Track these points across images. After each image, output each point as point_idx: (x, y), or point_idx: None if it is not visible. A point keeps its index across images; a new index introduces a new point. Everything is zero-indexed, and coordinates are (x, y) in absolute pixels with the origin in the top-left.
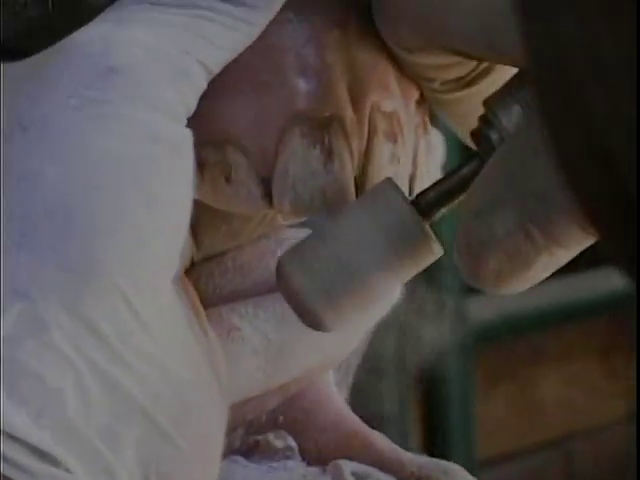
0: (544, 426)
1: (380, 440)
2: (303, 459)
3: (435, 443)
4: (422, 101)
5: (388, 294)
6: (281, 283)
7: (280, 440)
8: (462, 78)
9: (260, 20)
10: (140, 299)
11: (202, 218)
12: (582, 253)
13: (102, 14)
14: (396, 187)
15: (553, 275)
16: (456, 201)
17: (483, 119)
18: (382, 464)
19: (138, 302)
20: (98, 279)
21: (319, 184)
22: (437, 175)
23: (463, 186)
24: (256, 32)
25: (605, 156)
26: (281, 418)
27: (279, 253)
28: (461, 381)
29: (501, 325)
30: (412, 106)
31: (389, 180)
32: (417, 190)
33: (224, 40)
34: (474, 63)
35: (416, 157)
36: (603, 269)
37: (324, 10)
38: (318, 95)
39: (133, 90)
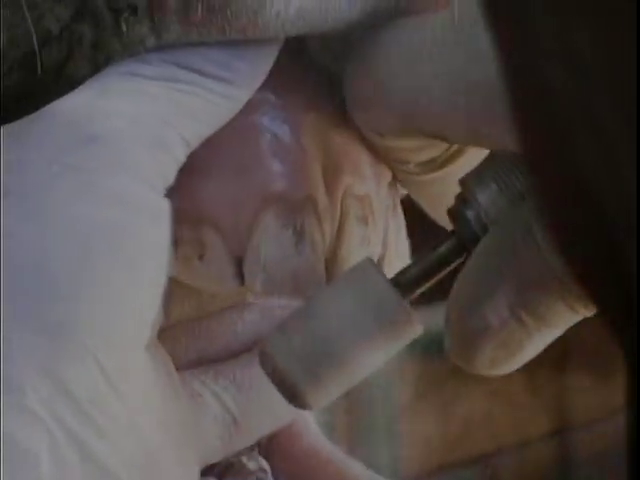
0: (469, 441)
1: (356, 469)
2: None
3: (360, 458)
4: (394, 182)
5: (372, 370)
6: (265, 362)
7: (253, 462)
8: (435, 159)
9: (240, 96)
10: (113, 364)
11: (173, 289)
12: None
13: (86, 83)
14: (376, 266)
15: None
16: (435, 279)
17: (460, 198)
18: None
19: (111, 367)
20: (73, 343)
21: (290, 265)
22: (406, 255)
23: (442, 264)
24: (236, 108)
25: (597, 211)
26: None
27: (245, 318)
28: (386, 396)
29: (426, 339)
30: (384, 188)
31: (369, 260)
32: (386, 270)
33: (204, 114)
34: (447, 144)
35: (386, 238)
36: None
37: (301, 93)
38: (292, 177)
39: (113, 159)
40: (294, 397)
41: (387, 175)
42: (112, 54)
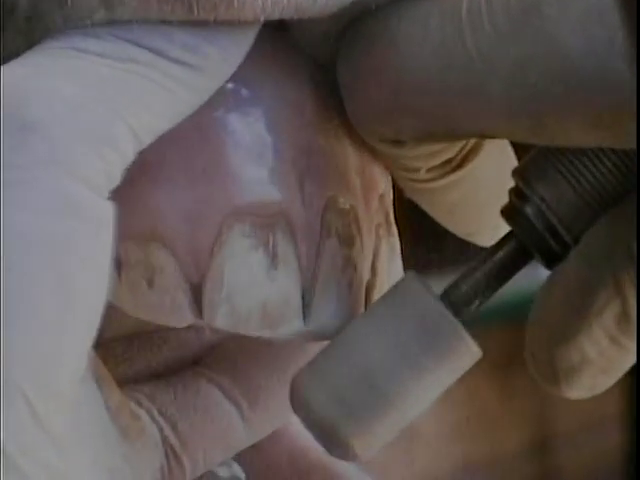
0: (428, 459)
1: (344, 473)
2: None
3: None
4: (386, 196)
5: (426, 406)
6: (298, 408)
7: (225, 469)
8: (450, 161)
9: (206, 87)
10: (46, 407)
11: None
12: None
13: (18, 58)
14: (422, 283)
15: None
16: (492, 292)
17: (516, 193)
18: None
19: (44, 411)
20: (4, 387)
21: (260, 295)
22: None
23: (500, 274)
24: (200, 100)
25: None
26: None
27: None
28: None
29: None
30: (374, 202)
31: (413, 275)
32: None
33: (161, 105)
34: (461, 143)
35: (375, 262)
36: None
37: (279, 88)
38: (264, 186)
39: (50, 153)
40: (337, 447)
41: (378, 186)
42: (51, 28)
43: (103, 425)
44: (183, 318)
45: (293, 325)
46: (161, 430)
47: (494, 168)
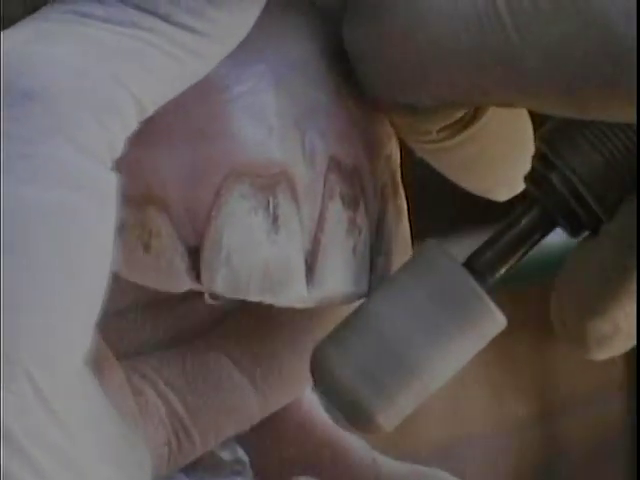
0: (430, 429)
1: (356, 449)
2: (256, 475)
3: None
4: (392, 156)
5: (450, 376)
6: (319, 381)
7: (227, 452)
8: (461, 119)
9: (213, 54)
10: (52, 388)
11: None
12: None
13: (18, 23)
14: (444, 251)
15: None
16: (516, 260)
17: (541, 158)
18: (353, 477)
19: (50, 391)
20: (7, 366)
21: (260, 258)
22: (407, 247)
23: (524, 241)
24: (206, 68)
25: None
26: None
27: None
28: None
29: None
30: (380, 163)
31: (434, 243)
32: (380, 272)
33: (166, 73)
34: None
35: (381, 226)
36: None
37: (280, 45)
38: (266, 146)
39: (51, 122)
40: (361, 418)
41: (384, 146)
42: None
43: (103, 408)
44: (181, 282)
45: (296, 290)
46: (169, 403)
47: (506, 120)
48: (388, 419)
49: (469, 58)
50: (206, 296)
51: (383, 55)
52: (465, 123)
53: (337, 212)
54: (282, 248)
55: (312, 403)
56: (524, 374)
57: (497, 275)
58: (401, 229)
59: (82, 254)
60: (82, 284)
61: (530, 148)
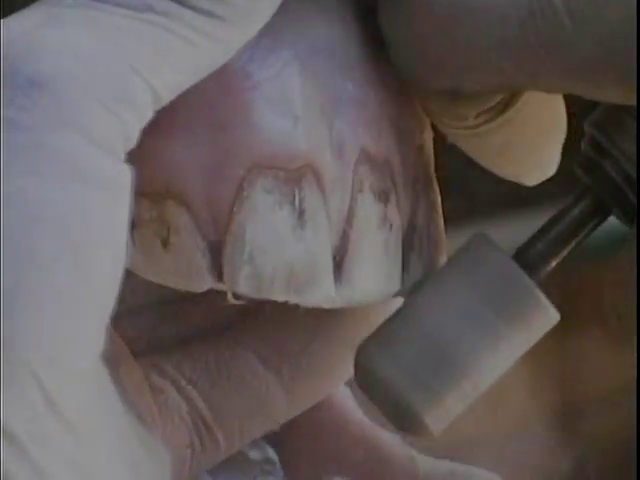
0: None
1: (392, 447)
2: (287, 475)
3: None
4: (425, 147)
5: (500, 374)
6: (364, 382)
7: (257, 451)
8: (498, 103)
9: (233, 40)
10: (61, 391)
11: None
12: None
13: (27, 8)
14: (493, 243)
15: None
16: (567, 251)
17: (592, 145)
18: (392, 476)
19: (58, 395)
20: (12, 367)
21: (286, 256)
22: (442, 243)
23: (576, 231)
24: (226, 55)
25: None
26: None
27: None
28: None
29: None
30: (411, 155)
31: (482, 236)
32: (413, 269)
33: (183, 59)
34: None
35: (413, 220)
36: None
37: (306, 31)
38: (291, 137)
39: (60, 112)
40: (408, 421)
41: (416, 137)
42: None
43: (118, 410)
44: (202, 282)
45: (323, 289)
46: (191, 401)
47: (540, 103)
48: (437, 422)
49: (519, 44)
50: (229, 296)
51: (426, 40)
52: (502, 107)
53: (367, 206)
54: (308, 244)
55: (344, 397)
56: (549, 369)
57: (549, 268)
58: (434, 224)
59: (93, 252)
60: (92, 283)
61: (563, 130)
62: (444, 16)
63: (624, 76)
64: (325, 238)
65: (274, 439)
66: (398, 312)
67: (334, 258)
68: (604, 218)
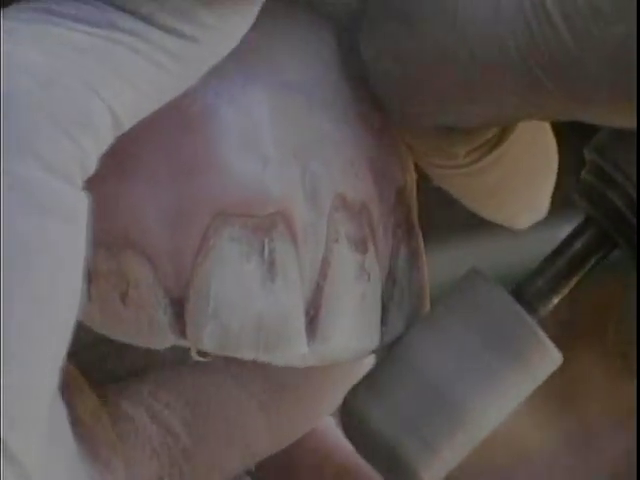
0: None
1: (375, 476)
2: None
3: None
4: (406, 189)
5: (500, 421)
6: (353, 432)
7: None
8: (489, 140)
9: (201, 62)
10: (17, 439)
11: None
12: None
13: None
14: (488, 280)
15: None
16: (570, 286)
17: (596, 173)
18: None
19: (16, 445)
20: None
21: (253, 311)
22: (424, 293)
23: (581, 265)
24: (192, 78)
25: None
26: None
27: None
28: None
29: None
30: (392, 198)
31: (475, 272)
32: (393, 323)
33: (147, 82)
34: None
35: (393, 270)
36: None
37: (279, 67)
38: (260, 181)
39: (15, 136)
40: (402, 474)
41: (397, 179)
42: None
43: (70, 449)
44: (163, 339)
45: (295, 347)
46: (167, 428)
47: (531, 141)
48: (433, 475)
49: (520, 71)
50: (192, 352)
51: (416, 74)
52: (491, 146)
53: (343, 256)
54: (279, 299)
55: (328, 426)
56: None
57: (550, 306)
58: (416, 274)
59: (52, 284)
60: (53, 314)
61: (554, 169)
62: (436, 49)
63: (634, 96)
64: (297, 292)
65: (256, 471)
66: (390, 357)
67: (307, 313)
68: (609, 251)
